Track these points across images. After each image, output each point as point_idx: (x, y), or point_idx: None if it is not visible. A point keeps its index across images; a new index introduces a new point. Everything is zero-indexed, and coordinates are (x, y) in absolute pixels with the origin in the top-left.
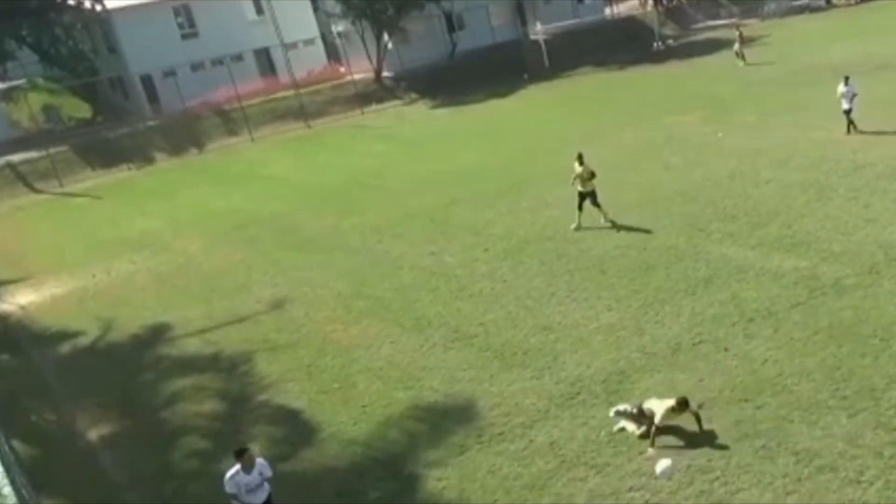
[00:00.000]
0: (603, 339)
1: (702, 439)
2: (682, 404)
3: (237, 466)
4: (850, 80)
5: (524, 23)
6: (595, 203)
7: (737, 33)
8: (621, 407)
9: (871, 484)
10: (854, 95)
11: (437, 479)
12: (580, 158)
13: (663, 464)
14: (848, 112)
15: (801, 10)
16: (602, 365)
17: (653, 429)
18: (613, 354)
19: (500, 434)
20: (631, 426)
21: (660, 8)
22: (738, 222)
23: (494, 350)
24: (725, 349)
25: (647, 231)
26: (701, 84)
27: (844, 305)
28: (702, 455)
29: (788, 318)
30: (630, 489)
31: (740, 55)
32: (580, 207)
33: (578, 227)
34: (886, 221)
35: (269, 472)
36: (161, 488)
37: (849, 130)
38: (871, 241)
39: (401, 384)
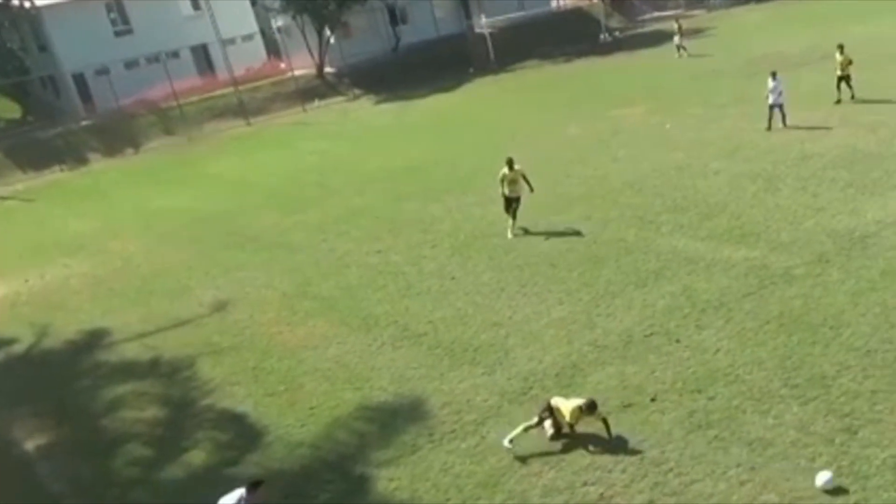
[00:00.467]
0: (554, 334)
1: (655, 431)
2: (591, 407)
3: (241, 492)
4: (778, 76)
5: (469, 16)
6: (515, 211)
7: (676, 26)
8: (517, 432)
9: (824, 470)
10: (780, 92)
11: (389, 479)
12: (510, 163)
13: (824, 476)
14: (774, 107)
15: (747, 0)
16: (554, 359)
17: (566, 429)
18: (565, 348)
19: (452, 432)
20: (540, 428)
21: (606, 0)
22: (687, 214)
23: (444, 347)
24: (677, 341)
25: (597, 224)
26: (648, 76)
27: (794, 295)
28: (655, 447)
29: (739, 309)
30: (584, 483)
31: (681, 48)
32: (510, 213)
33: (517, 233)
34: (835, 210)
35: None
36: (101, 497)
37: (770, 126)
38: (819, 230)
39: (349, 384)
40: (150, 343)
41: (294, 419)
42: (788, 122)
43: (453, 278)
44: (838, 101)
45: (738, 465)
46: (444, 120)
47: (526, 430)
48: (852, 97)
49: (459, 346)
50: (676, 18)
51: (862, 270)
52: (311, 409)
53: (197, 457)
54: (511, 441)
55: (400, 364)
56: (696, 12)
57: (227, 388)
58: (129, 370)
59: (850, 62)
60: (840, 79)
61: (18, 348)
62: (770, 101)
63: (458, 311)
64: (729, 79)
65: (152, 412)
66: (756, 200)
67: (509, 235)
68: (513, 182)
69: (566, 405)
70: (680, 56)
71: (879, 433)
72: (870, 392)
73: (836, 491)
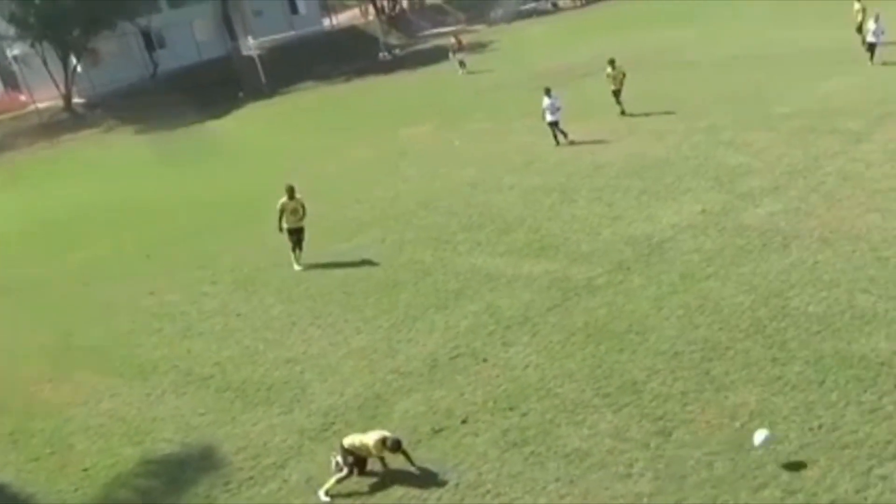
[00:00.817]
0: (354, 365)
1: (469, 453)
2: (396, 445)
3: None
4: (553, 93)
5: (234, 37)
6: (301, 242)
7: (453, 41)
8: (331, 484)
9: (642, 475)
10: (558, 109)
11: None
12: (290, 191)
13: (761, 434)
14: (553, 124)
15: (529, 14)
16: (356, 391)
17: (376, 463)
18: (367, 378)
19: (250, 478)
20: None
21: (382, 17)
22: (484, 230)
23: (234, 389)
24: (484, 360)
25: (391, 247)
26: (431, 93)
27: (598, 304)
28: (471, 470)
29: (545, 322)
30: None
31: (462, 63)
32: (296, 245)
33: (304, 267)
34: (631, 218)
35: None
36: None
37: (557, 141)
38: (617, 238)
39: (127, 439)
40: None
41: (66, 484)
42: (570, 137)
43: (238, 315)
44: (623, 113)
45: (557, 480)
46: (214, 149)
47: (339, 481)
48: (622, 112)
49: (251, 386)
50: (455, 34)
51: (662, 275)
52: (85, 470)
53: None
54: (327, 493)
55: (185, 411)
56: (477, 27)
57: None
58: None
59: (624, 75)
60: (615, 92)
61: None
62: (547, 118)
63: (246, 350)
64: (514, 92)
65: None
66: (552, 213)
67: (297, 268)
68: (294, 212)
69: (367, 439)
70: (463, 73)
71: (692, 433)
72: (680, 393)
73: (654, 493)
